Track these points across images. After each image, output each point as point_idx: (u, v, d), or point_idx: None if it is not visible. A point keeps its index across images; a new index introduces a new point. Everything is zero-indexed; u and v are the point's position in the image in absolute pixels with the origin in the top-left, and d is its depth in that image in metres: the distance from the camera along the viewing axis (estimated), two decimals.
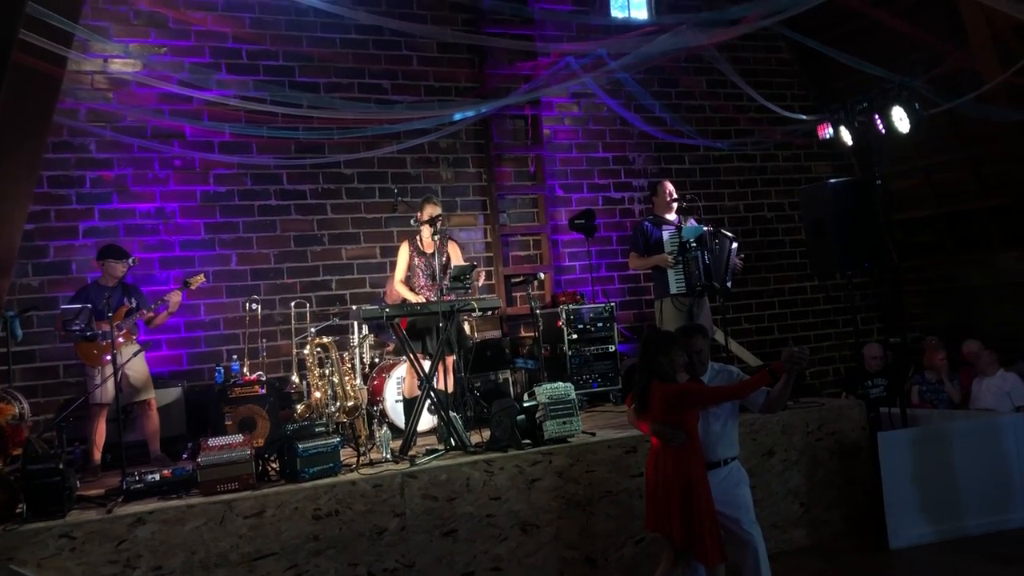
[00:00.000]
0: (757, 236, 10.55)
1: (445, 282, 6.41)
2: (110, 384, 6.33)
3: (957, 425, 6.79)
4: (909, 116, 6.89)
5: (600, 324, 8.16)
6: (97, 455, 6.55)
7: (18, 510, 4.84)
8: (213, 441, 5.33)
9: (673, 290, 7.48)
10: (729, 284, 7.58)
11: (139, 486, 5.19)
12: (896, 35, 8.33)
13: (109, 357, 6.22)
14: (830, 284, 10.72)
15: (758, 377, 4.66)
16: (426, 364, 6.32)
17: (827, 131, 7.71)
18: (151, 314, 6.81)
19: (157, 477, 5.27)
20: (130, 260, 6.79)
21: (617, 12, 10.29)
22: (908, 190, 10.32)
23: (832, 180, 7.15)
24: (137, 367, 6.70)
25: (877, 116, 7.02)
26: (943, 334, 9.30)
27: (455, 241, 7.24)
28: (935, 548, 6.15)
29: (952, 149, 9.62)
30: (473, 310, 6.33)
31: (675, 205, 7.68)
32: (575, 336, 8.04)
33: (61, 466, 4.91)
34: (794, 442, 6.48)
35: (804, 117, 8.92)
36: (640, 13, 10.39)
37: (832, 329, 10.78)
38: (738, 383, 4.76)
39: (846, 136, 7.61)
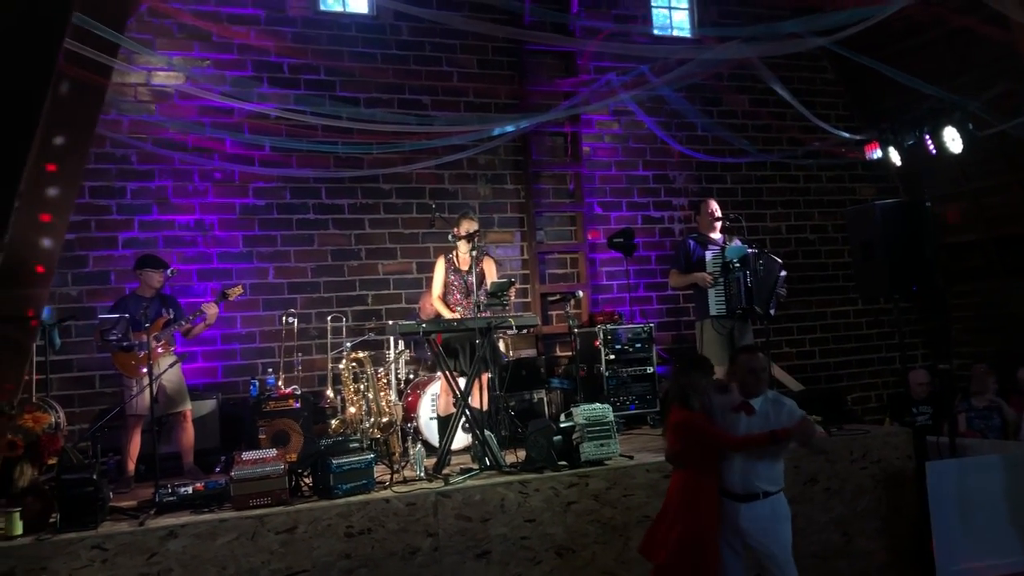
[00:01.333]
0: (800, 258, 10.36)
1: (482, 298, 6.33)
2: (146, 395, 6.32)
3: (1010, 455, 6.56)
4: (962, 137, 6.72)
5: (638, 345, 8.03)
6: (131, 466, 6.54)
7: (51, 520, 4.83)
8: (247, 455, 5.29)
9: (713, 311, 7.34)
10: (773, 311, 7.41)
11: (172, 499, 5.16)
12: (944, 56, 8.16)
13: (145, 368, 6.21)
14: (874, 308, 10.50)
15: (760, 438, 4.49)
16: (460, 381, 6.23)
17: (875, 151, 7.54)
18: (188, 325, 6.80)
19: (190, 490, 5.25)
20: (168, 271, 6.79)
21: (659, 31, 10.21)
22: (956, 214, 10.09)
23: (881, 201, 6.99)
24: (173, 378, 6.69)
25: (928, 136, 6.85)
26: (991, 361, 9.05)
27: (491, 258, 7.17)
28: None
29: (1002, 172, 9.39)
30: (510, 327, 6.25)
31: (719, 224, 7.56)
32: (612, 356, 7.92)
33: (95, 476, 4.89)
34: (837, 470, 6.31)
35: (850, 136, 8.75)
36: (682, 31, 10.30)
37: (875, 354, 10.54)
38: (741, 438, 4.56)
39: (895, 156, 7.45)
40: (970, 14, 7.56)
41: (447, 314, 6.80)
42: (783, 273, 7.42)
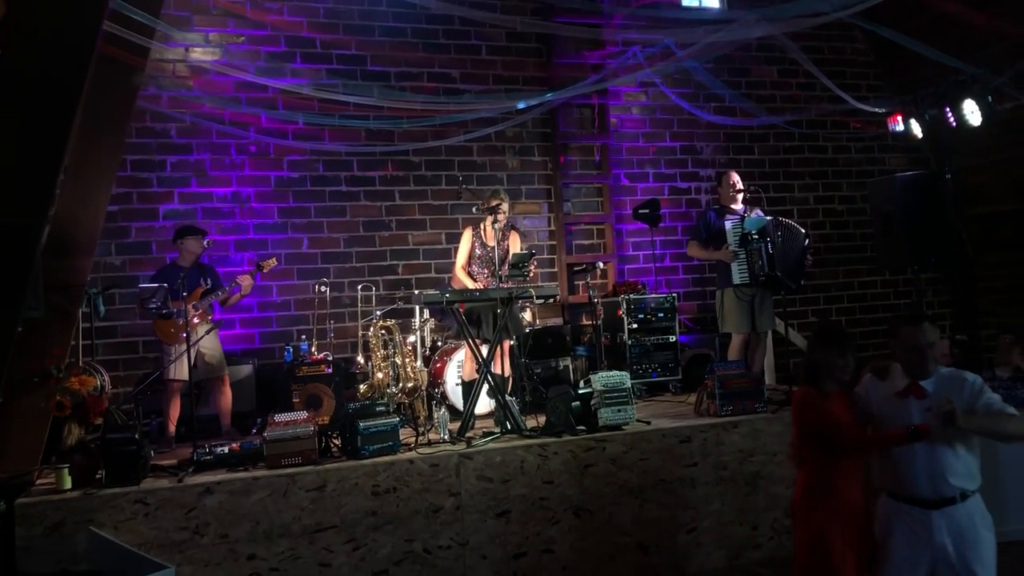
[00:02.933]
0: (827, 228, 10.40)
1: (503, 271, 6.53)
2: (184, 360, 6.62)
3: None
4: (981, 109, 6.73)
5: (661, 314, 8.18)
6: (172, 428, 6.86)
7: (97, 476, 5.14)
8: (279, 417, 5.55)
9: (736, 280, 7.44)
10: (802, 282, 7.47)
11: (209, 458, 5.45)
12: (976, 26, 8.10)
13: (184, 335, 6.51)
14: (902, 279, 10.51)
15: (895, 436, 3.68)
16: (483, 349, 6.45)
17: (897, 123, 7.56)
18: (225, 295, 7.09)
19: (226, 450, 5.53)
20: (206, 241, 7.06)
21: (689, 0, 10.22)
22: (986, 184, 10.03)
23: (900, 174, 7.03)
24: (211, 345, 6.99)
25: (948, 109, 6.87)
26: (1020, 332, 9.04)
27: (517, 231, 7.36)
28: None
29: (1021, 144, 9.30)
30: (530, 297, 6.44)
31: (740, 196, 7.64)
32: (635, 325, 8.08)
33: (137, 436, 5.19)
34: None
35: (875, 109, 8.73)
36: (712, 1, 10.29)
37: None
38: (869, 436, 3.85)
39: (916, 128, 7.46)
40: None
41: (470, 284, 7.03)
42: (807, 242, 7.48)
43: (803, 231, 7.54)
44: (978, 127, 7.04)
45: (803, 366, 4.07)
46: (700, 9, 10.17)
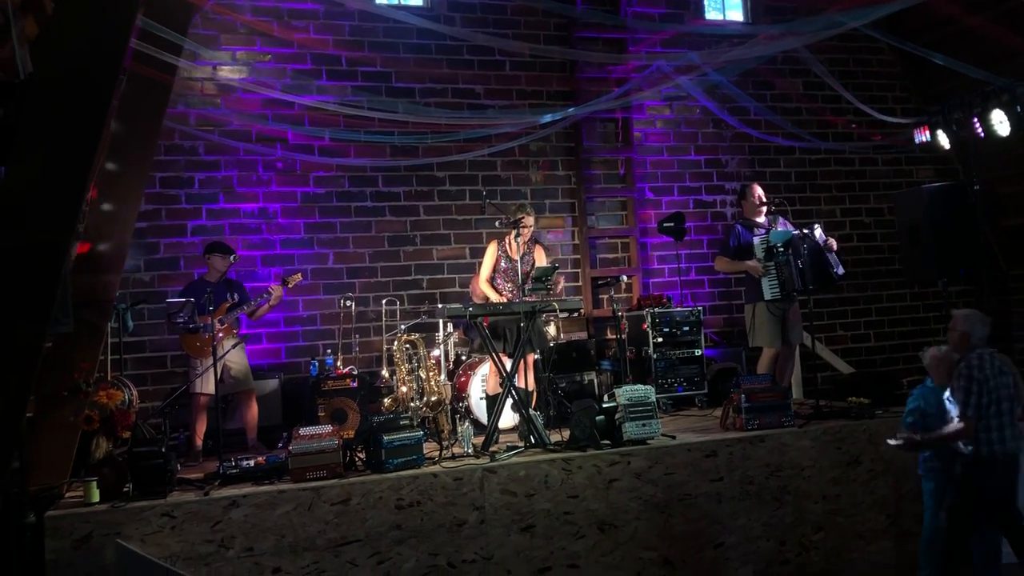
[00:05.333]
0: (854, 241, 10.30)
1: (527, 285, 6.53)
2: (210, 375, 6.68)
3: None
4: (1010, 119, 6.65)
5: (687, 328, 8.14)
6: (199, 441, 6.91)
7: (125, 489, 5.18)
8: (304, 431, 5.58)
9: (768, 296, 7.33)
10: (840, 271, 7.36)
11: (235, 471, 5.48)
12: (1001, 37, 8.02)
13: (209, 349, 6.57)
14: (931, 291, 10.39)
15: None
16: (507, 363, 6.45)
17: (924, 134, 7.49)
18: (253, 307, 7.15)
19: (252, 463, 5.57)
20: (232, 257, 7.14)
21: (712, 14, 10.20)
22: (1016, 195, 9.90)
23: (927, 185, 6.96)
24: (238, 360, 7.04)
25: (976, 119, 6.80)
26: None
27: (541, 245, 7.37)
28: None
29: None
30: (554, 311, 6.44)
31: (764, 209, 7.59)
32: (660, 339, 8.05)
33: (164, 450, 5.24)
34: (882, 452, 6.35)
35: (901, 120, 8.66)
36: (735, 14, 10.28)
37: (931, 338, 10.38)
38: None
39: (943, 140, 7.39)
40: None
41: (494, 297, 7.03)
42: (818, 232, 7.26)
43: (817, 224, 7.40)
44: (1007, 138, 6.96)
45: None
46: (723, 24, 10.15)
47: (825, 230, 7.46)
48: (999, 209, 9.81)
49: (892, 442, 5.36)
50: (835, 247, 7.45)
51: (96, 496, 5.07)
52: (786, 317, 7.45)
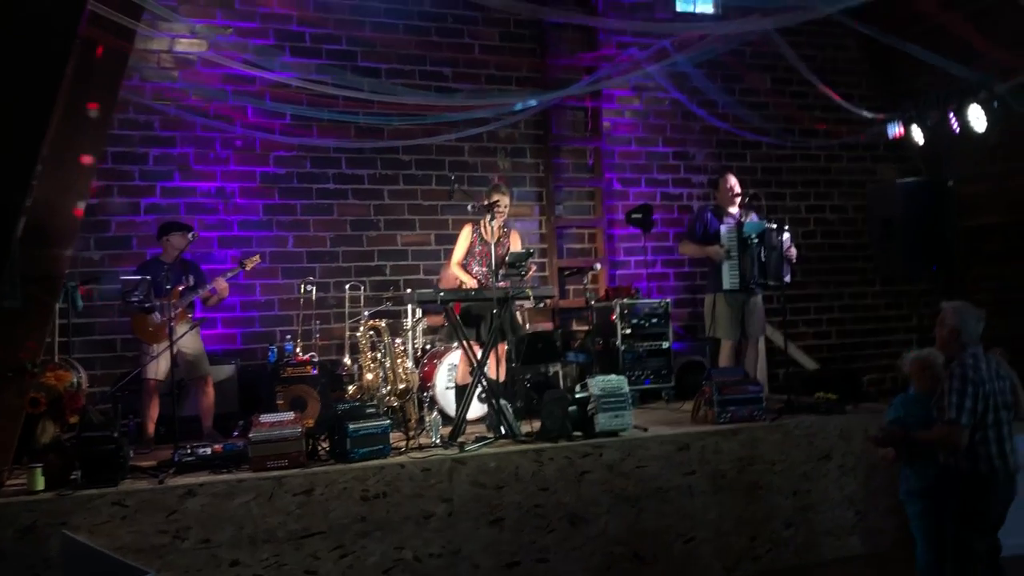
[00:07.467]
0: (818, 238, 10.30)
1: (500, 271, 6.35)
2: (163, 360, 6.39)
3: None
4: (987, 116, 6.65)
5: (655, 320, 8.03)
6: (151, 428, 6.62)
7: (72, 476, 4.89)
8: (265, 417, 5.35)
9: (726, 285, 7.28)
10: (787, 278, 7.36)
11: (191, 459, 5.23)
12: (972, 36, 8.05)
13: (161, 334, 6.28)
14: (893, 290, 10.44)
15: None
16: (479, 351, 6.27)
17: (898, 129, 7.47)
18: (206, 294, 6.87)
19: (209, 451, 5.32)
20: (191, 235, 6.84)
21: (683, 7, 10.12)
22: (977, 196, 9.97)
23: (902, 180, 6.93)
24: (192, 344, 6.74)
25: (952, 114, 6.79)
26: (1008, 346, 8.97)
27: (517, 232, 7.19)
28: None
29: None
30: (528, 298, 6.29)
31: (737, 200, 7.52)
32: (629, 331, 7.93)
33: (116, 435, 4.96)
34: (852, 447, 6.32)
35: (876, 116, 8.65)
36: (706, 7, 10.20)
37: (893, 336, 10.48)
38: None
39: (918, 135, 7.38)
40: None
41: (468, 280, 6.85)
42: (786, 236, 7.24)
43: (785, 227, 7.35)
44: (970, 138, 6.95)
45: None
46: (694, 14, 10.07)
47: (792, 239, 7.42)
48: (961, 208, 9.87)
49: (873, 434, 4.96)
50: (794, 259, 7.44)
51: (41, 484, 4.77)
52: (745, 309, 7.38)
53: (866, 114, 8.64)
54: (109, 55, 5.40)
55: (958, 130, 6.82)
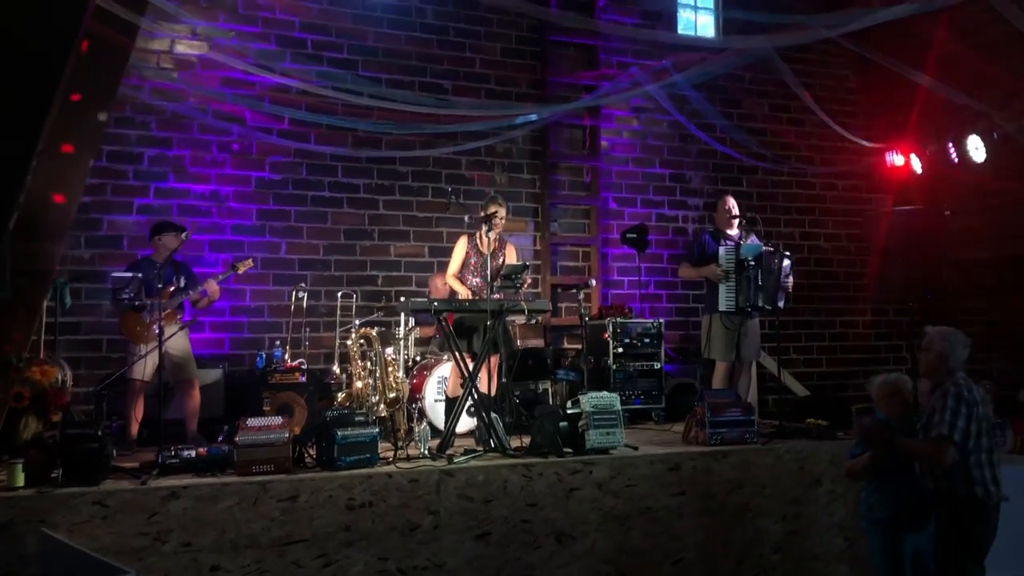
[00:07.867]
0: (811, 265, 10.31)
1: (495, 282, 6.30)
2: (149, 361, 6.30)
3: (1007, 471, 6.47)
4: (986, 146, 6.68)
5: (647, 340, 8.00)
6: (135, 430, 6.52)
7: (53, 474, 4.79)
8: (252, 421, 5.24)
9: (722, 307, 7.27)
10: (781, 304, 7.35)
11: (175, 461, 5.13)
12: (973, 67, 8.10)
13: (150, 335, 6.20)
14: (884, 320, 10.45)
15: None
16: (471, 363, 6.20)
17: (896, 158, 7.49)
18: (196, 296, 6.79)
19: (193, 454, 5.21)
20: (184, 234, 6.78)
21: (684, 29, 10.17)
22: (972, 229, 10.00)
23: (899, 207, 6.96)
24: (180, 346, 6.65)
25: (951, 145, 6.82)
26: (996, 379, 8.98)
27: (513, 245, 7.16)
28: None
29: (1020, 190, 9.29)
30: (522, 311, 6.22)
31: (735, 221, 7.51)
32: (620, 350, 7.89)
33: (100, 433, 4.87)
34: (841, 474, 6.25)
35: (870, 144, 8.69)
36: (707, 32, 10.26)
37: (881, 367, 10.45)
38: None
39: (916, 164, 7.40)
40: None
41: (462, 291, 6.79)
42: (787, 263, 7.27)
43: (787, 253, 7.36)
44: (973, 165, 6.97)
45: None
46: (696, 38, 10.11)
47: (792, 268, 7.42)
48: (954, 240, 9.90)
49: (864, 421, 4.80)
50: (790, 288, 7.43)
51: (21, 480, 4.67)
52: (740, 332, 7.36)
53: (863, 143, 8.66)
54: (110, 51, 5.37)
55: (957, 160, 6.84)
